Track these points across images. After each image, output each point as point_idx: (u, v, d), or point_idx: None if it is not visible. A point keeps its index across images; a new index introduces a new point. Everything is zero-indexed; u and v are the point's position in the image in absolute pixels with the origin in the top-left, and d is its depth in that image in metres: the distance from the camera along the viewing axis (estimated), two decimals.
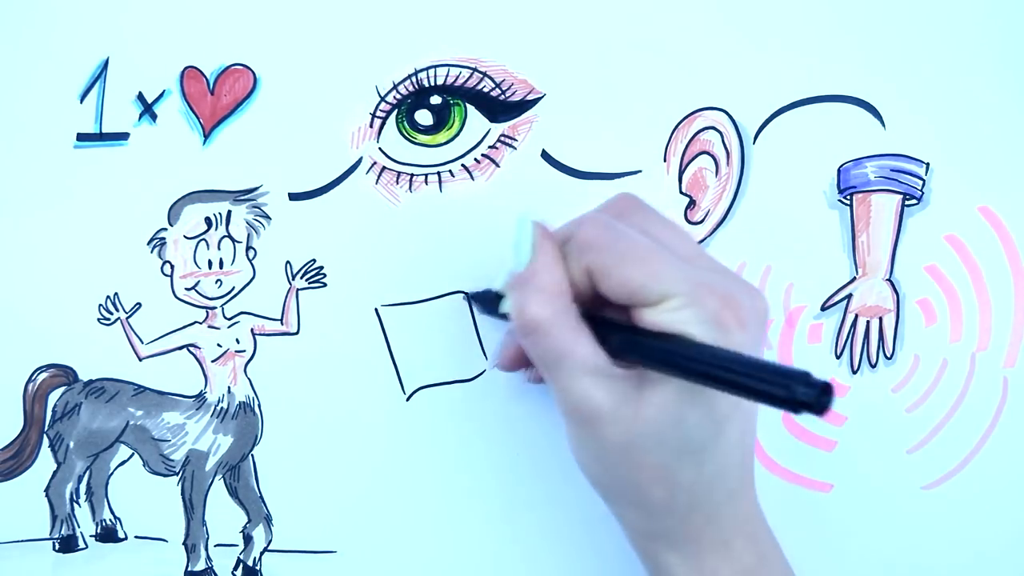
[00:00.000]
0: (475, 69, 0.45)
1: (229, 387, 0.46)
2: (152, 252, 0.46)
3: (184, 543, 0.46)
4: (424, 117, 0.45)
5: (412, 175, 0.45)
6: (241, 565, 0.46)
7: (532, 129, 0.45)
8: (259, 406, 0.46)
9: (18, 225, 0.46)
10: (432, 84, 0.45)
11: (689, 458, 0.34)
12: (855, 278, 0.45)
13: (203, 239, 0.46)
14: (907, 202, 0.45)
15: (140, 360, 0.46)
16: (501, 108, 0.45)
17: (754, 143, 0.45)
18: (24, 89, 0.46)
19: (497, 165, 0.45)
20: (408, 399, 0.45)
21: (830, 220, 0.45)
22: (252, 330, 0.46)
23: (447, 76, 0.45)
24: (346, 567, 0.45)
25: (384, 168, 0.45)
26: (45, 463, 0.46)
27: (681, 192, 0.45)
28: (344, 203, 0.45)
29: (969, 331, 0.45)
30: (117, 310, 0.46)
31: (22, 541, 0.46)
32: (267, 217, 0.45)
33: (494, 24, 0.45)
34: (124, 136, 0.46)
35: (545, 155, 0.45)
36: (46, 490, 0.46)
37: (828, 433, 0.45)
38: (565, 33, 0.45)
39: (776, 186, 0.45)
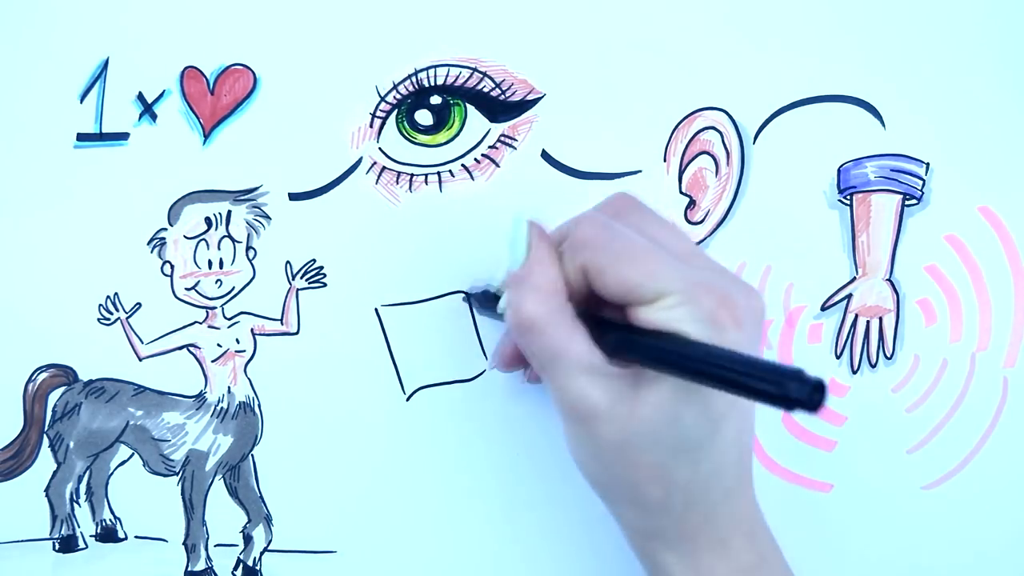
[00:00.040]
0: (475, 69, 0.45)
1: (229, 387, 0.46)
2: (152, 252, 0.46)
3: (184, 543, 0.46)
4: (424, 117, 0.45)
5: (412, 175, 0.45)
6: (241, 565, 0.46)
7: (532, 129, 0.45)
8: (259, 406, 0.46)
9: (18, 225, 0.46)
10: (432, 84, 0.45)
11: (685, 456, 0.34)
12: (855, 278, 0.45)
13: (203, 239, 0.46)
14: (907, 202, 0.45)
15: (140, 360, 0.46)
16: (501, 108, 0.45)
17: (754, 143, 0.45)
18: (24, 89, 0.46)
19: (497, 165, 0.45)
20: (408, 399, 0.45)
21: (830, 220, 0.45)
22: (252, 330, 0.46)
23: (447, 76, 0.45)
24: (346, 567, 0.45)
25: (384, 168, 0.45)
26: (45, 463, 0.46)
27: (681, 192, 0.45)
28: (344, 203, 0.45)
29: (969, 331, 0.45)
30: (117, 310, 0.46)
31: (22, 541, 0.46)
32: (267, 217, 0.45)
33: (494, 24, 0.45)
34: (124, 136, 0.46)
35: (545, 155, 0.45)
36: (46, 490, 0.46)
37: (828, 433, 0.45)
38: (565, 33, 0.45)
39: (776, 186, 0.45)
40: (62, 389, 0.46)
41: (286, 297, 0.45)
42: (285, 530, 0.46)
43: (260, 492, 0.46)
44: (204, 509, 0.46)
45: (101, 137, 0.46)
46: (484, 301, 0.42)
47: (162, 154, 0.46)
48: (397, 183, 0.45)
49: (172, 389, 0.46)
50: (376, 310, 0.45)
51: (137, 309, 0.46)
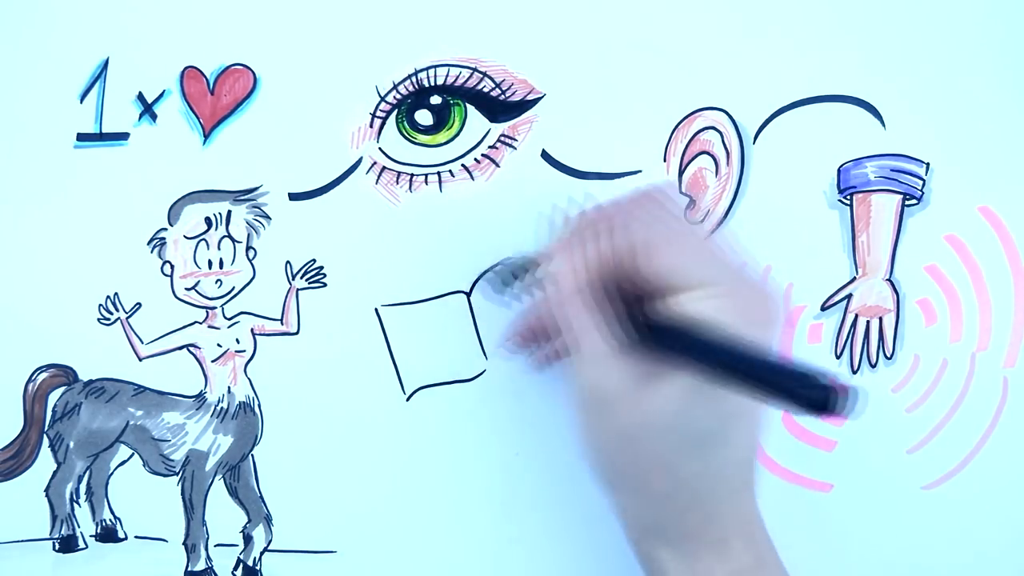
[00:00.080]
0: (475, 69, 0.45)
1: (229, 387, 0.46)
2: (152, 252, 0.46)
3: (184, 543, 0.46)
4: (424, 117, 0.45)
5: (412, 175, 0.45)
6: (241, 565, 0.46)
7: (532, 129, 0.45)
8: (259, 406, 0.46)
9: (18, 225, 0.46)
10: (432, 84, 0.45)
11: (694, 451, 0.34)
12: (855, 278, 0.45)
13: (203, 239, 0.46)
14: (907, 202, 0.45)
15: (140, 360, 0.46)
16: (501, 108, 0.45)
17: (754, 143, 0.45)
18: (24, 89, 0.46)
19: (497, 165, 0.45)
20: (408, 399, 0.45)
21: (830, 220, 0.45)
22: (252, 330, 0.46)
23: (447, 76, 0.45)
24: (346, 567, 0.45)
25: (384, 168, 0.45)
26: (45, 463, 0.46)
27: (681, 192, 0.45)
28: (344, 203, 0.45)
29: (969, 331, 0.45)
30: (117, 310, 0.46)
31: (22, 541, 0.46)
32: (267, 217, 0.45)
33: (494, 24, 0.45)
34: (124, 136, 0.46)
35: (545, 155, 0.45)
36: (46, 490, 0.46)
37: (828, 433, 0.45)
38: (565, 33, 0.45)
39: (776, 186, 0.45)
40: (62, 389, 0.46)
41: (286, 297, 0.45)
42: (285, 530, 0.46)
43: (260, 492, 0.46)
44: (204, 509, 0.46)
45: (101, 137, 0.46)
46: (509, 277, 0.41)
47: (162, 154, 0.46)
48: (397, 183, 0.45)
49: (172, 389, 0.46)
50: (376, 310, 0.45)
51: (137, 309, 0.46)
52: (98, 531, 0.46)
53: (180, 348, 0.46)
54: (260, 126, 0.45)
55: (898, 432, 0.45)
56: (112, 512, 0.46)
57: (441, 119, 0.45)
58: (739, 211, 0.45)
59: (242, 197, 0.46)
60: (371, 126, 0.45)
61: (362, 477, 0.45)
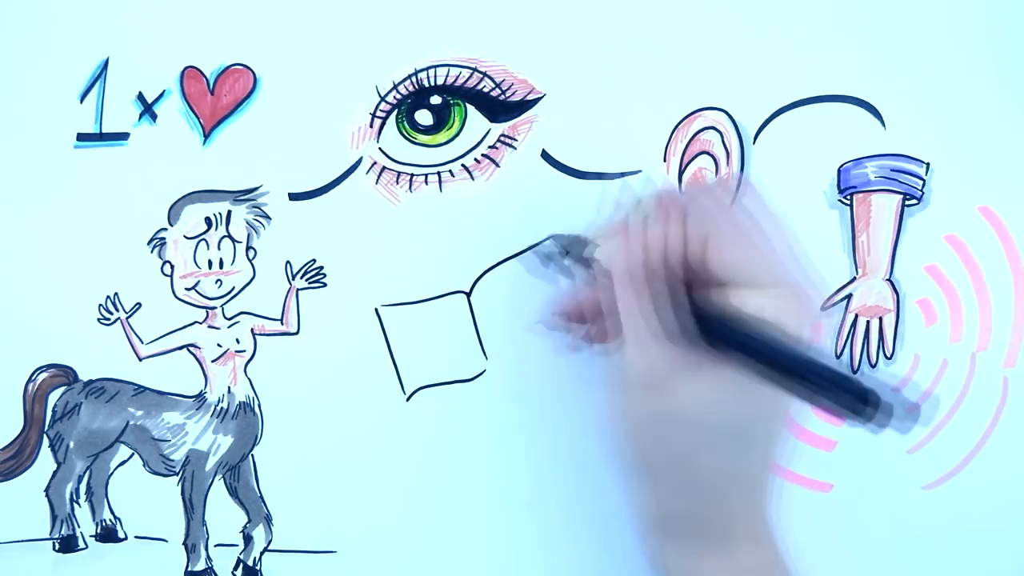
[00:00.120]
0: (475, 69, 0.45)
1: (229, 387, 0.46)
2: (152, 252, 0.46)
3: (184, 543, 0.46)
4: (424, 117, 0.45)
5: (412, 175, 0.45)
6: (241, 565, 0.46)
7: (532, 129, 0.45)
8: (259, 406, 0.46)
9: (18, 225, 0.46)
10: (432, 84, 0.45)
11: (716, 447, 0.34)
12: (855, 278, 0.45)
13: (203, 239, 0.46)
14: (907, 202, 0.45)
15: (140, 360, 0.46)
16: (501, 108, 0.45)
17: (754, 143, 0.45)
18: (24, 89, 0.46)
19: (497, 165, 0.45)
20: (408, 399, 0.45)
21: (830, 220, 0.45)
22: (252, 330, 0.46)
23: (447, 76, 0.45)
24: (346, 567, 0.45)
25: (384, 168, 0.45)
26: (45, 463, 0.46)
27: (681, 192, 0.45)
28: (344, 203, 0.45)
29: (969, 331, 0.45)
30: (117, 310, 0.46)
31: (22, 541, 0.46)
32: (267, 217, 0.45)
33: (494, 24, 0.45)
34: (124, 136, 0.46)
35: (545, 155, 0.45)
36: (46, 490, 0.46)
37: (828, 433, 0.45)
38: (565, 33, 0.45)
39: (776, 186, 0.45)
40: (62, 389, 0.46)
41: (286, 297, 0.45)
42: (285, 530, 0.46)
43: (260, 492, 0.46)
44: (204, 509, 0.46)
45: (101, 137, 0.46)
46: (556, 253, 0.41)
47: (162, 154, 0.46)
48: (397, 183, 0.45)
49: (172, 389, 0.46)
50: (376, 310, 0.45)
51: (137, 309, 0.46)
52: (98, 531, 0.46)
53: (180, 348, 0.46)
54: (260, 126, 0.45)
55: (898, 432, 0.45)
56: (112, 512, 0.46)
57: (441, 119, 0.45)
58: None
59: (242, 197, 0.46)
60: (371, 126, 0.45)
61: (362, 477, 0.45)
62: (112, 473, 0.46)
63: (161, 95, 0.46)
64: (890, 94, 0.45)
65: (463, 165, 0.45)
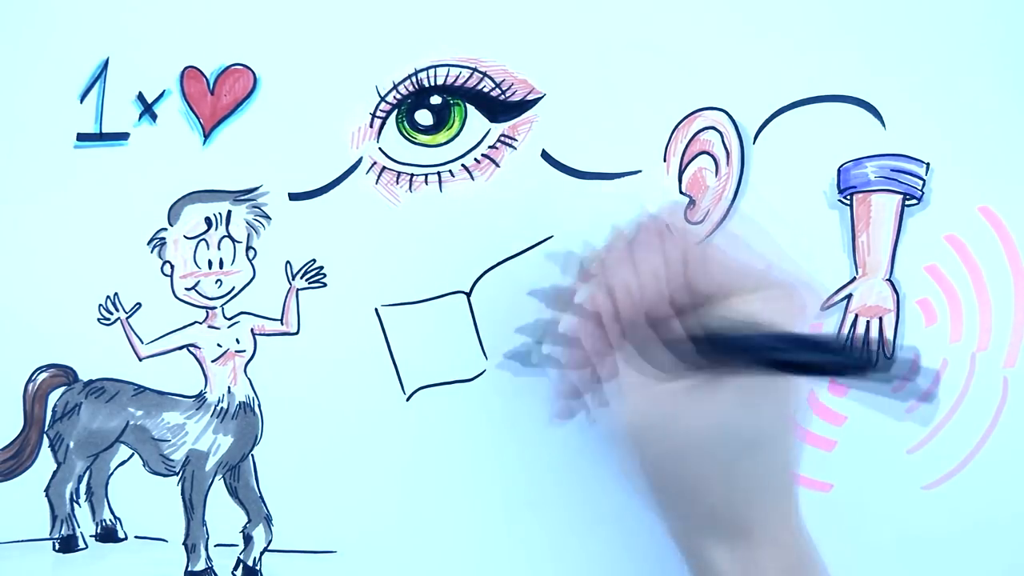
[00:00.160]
0: (475, 69, 0.45)
1: (229, 387, 0.46)
2: (152, 252, 0.46)
3: (184, 543, 0.46)
4: (424, 117, 0.45)
5: (412, 175, 0.45)
6: (241, 565, 0.46)
7: (532, 129, 0.45)
8: (259, 406, 0.46)
9: (18, 225, 0.46)
10: (432, 84, 0.45)
11: (746, 456, 0.34)
12: (855, 278, 0.45)
13: (203, 239, 0.46)
14: (907, 202, 0.45)
15: (140, 360, 0.46)
16: (501, 108, 0.45)
17: (754, 143, 0.45)
18: (24, 89, 0.46)
19: (497, 165, 0.45)
20: (408, 399, 0.45)
21: (830, 220, 0.45)
22: (252, 330, 0.46)
23: (447, 76, 0.45)
24: (346, 567, 0.45)
25: (384, 168, 0.45)
26: (45, 463, 0.46)
27: (681, 192, 0.45)
28: (344, 203, 0.45)
29: (969, 331, 0.45)
30: (117, 310, 0.46)
31: (22, 541, 0.46)
32: (267, 217, 0.45)
33: (494, 24, 0.45)
34: (124, 136, 0.46)
35: (545, 155, 0.45)
36: (46, 490, 0.46)
37: (828, 433, 0.45)
38: (565, 33, 0.45)
39: (776, 186, 0.45)
40: (62, 389, 0.46)
41: (286, 297, 0.45)
42: (285, 530, 0.46)
43: (260, 492, 0.46)
44: (204, 509, 0.46)
45: (101, 137, 0.46)
46: (533, 349, 0.41)
47: (162, 154, 0.46)
48: (397, 183, 0.45)
49: (172, 389, 0.46)
50: (376, 310, 0.45)
51: (137, 309, 0.46)
52: (98, 531, 0.46)
53: (180, 348, 0.46)
54: (260, 126, 0.45)
55: (898, 432, 0.45)
56: (112, 512, 0.46)
57: (441, 119, 0.45)
58: (739, 211, 0.45)
59: (242, 197, 0.46)
60: (371, 126, 0.45)
61: (362, 477, 0.45)
62: (112, 473, 0.46)
63: (161, 95, 0.46)
64: (890, 94, 0.45)
65: (463, 165, 0.45)
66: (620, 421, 0.34)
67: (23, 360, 0.46)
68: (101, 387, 0.46)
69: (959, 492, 0.45)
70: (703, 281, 0.34)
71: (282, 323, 0.45)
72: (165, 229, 0.46)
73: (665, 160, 0.45)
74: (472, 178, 0.45)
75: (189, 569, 0.46)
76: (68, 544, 0.46)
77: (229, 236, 0.45)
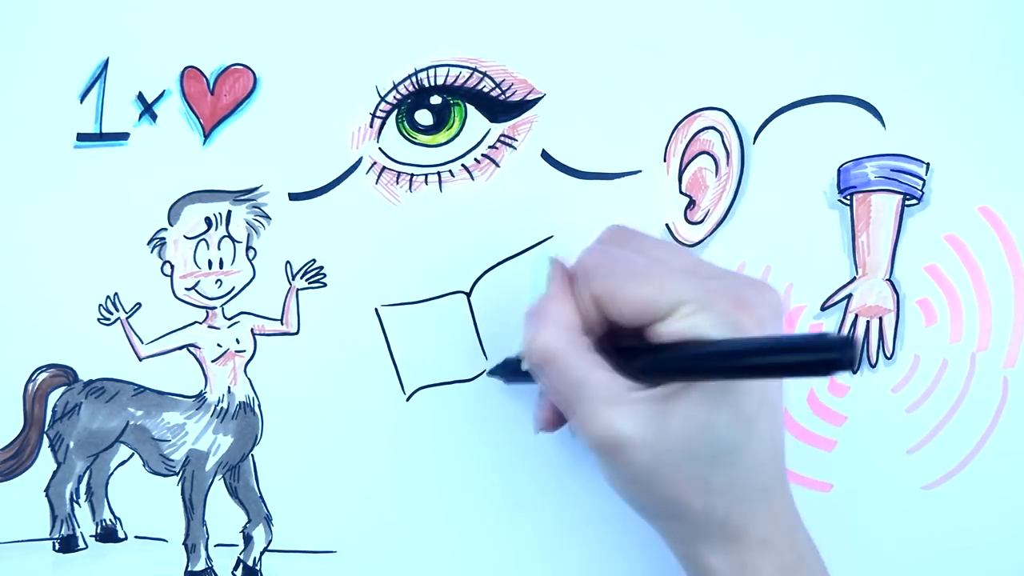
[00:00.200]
0: (475, 69, 0.45)
1: (229, 387, 0.46)
2: (152, 252, 0.46)
3: (184, 543, 0.46)
4: (424, 117, 0.45)
5: (412, 175, 0.45)
6: (241, 565, 0.46)
7: (532, 129, 0.45)
8: (259, 406, 0.46)
9: (18, 225, 0.46)
10: (432, 84, 0.45)
11: (722, 461, 0.34)
12: (855, 278, 0.45)
13: (203, 239, 0.46)
14: (907, 202, 0.45)
15: (140, 360, 0.46)
16: (501, 108, 0.45)
17: (754, 143, 0.45)
18: (24, 89, 0.46)
19: (497, 165, 0.45)
20: (408, 399, 0.45)
21: (830, 220, 0.45)
22: (252, 330, 0.46)
23: (447, 76, 0.45)
24: (346, 567, 0.45)
25: (384, 168, 0.45)
26: (45, 463, 0.46)
27: (681, 192, 0.45)
28: (344, 203, 0.45)
29: (969, 331, 0.45)
30: (117, 310, 0.46)
31: (22, 541, 0.46)
32: (267, 217, 0.45)
33: (494, 24, 0.45)
34: (124, 136, 0.46)
35: (545, 155, 0.45)
36: (46, 490, 0.46)
37: (828, 433, 0.45)
38: (565, 33, 0.45)
39: (776, 186, 0.45)
40: (62, 389, 0.46)
41: (286, 297, 0.45)
42: (285, 530, 0.46)
43: (260, 492, 0.46)
44: (204, 509, 0.46)
45: (101, 137, 0.46)
46: (507, 370, 0.42)
47: (162, 154, 0.46)
48: (397, 183, 0.45)
49: (172, 389, 0.46)
50: (376, 310, 0.45)
51: (137, 309, 0.46)
52: (98, 531, 0.46)
53: (180, 348, 0.46)
54: (260, 126, 0.45)
55: (898, 432, 0.45)
56: (112, 512, 0.46)
57: (441, 119, 0.45)
58: (739, 211, 0.45)
59: (242, 197, 0.46)
60: (371, 126, 0.45)
61: (362, 477, 0.45)
62: (112, 473, 0.46)
63: (161, 95, 0.46)
64: (890, 94, 0.45)
65: (463, 165, 0.45)
66: (595, 436, 0.34)
67: (23, 360, 0.46)
68: (101, 387, 0.46)
69: (959, 492, 0.45)
70: (617, 317, 0.34)
71: (282, 323, 0.45)
72: (165, 229, 0.46)
73: (665, 160, 0.45)
74: (472, 178, 0.45)
75: (189, 569, 0.46)
76: (68, 544, 0.46)
77: (229, 236, 0.45)
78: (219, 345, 0.46)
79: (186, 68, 0.46)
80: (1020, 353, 0.45)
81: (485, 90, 0.45)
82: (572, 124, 0.45)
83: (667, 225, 0.45)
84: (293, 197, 0.45)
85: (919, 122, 0.45)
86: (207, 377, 0.46)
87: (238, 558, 0.46)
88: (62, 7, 0.46)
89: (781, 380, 0.36)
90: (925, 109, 0.45)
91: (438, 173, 0.45)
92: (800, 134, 0.45)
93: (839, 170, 0.45)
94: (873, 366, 0.45)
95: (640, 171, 0.45)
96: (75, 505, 0.46)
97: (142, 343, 0.46)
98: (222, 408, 0.46)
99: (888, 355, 0.45)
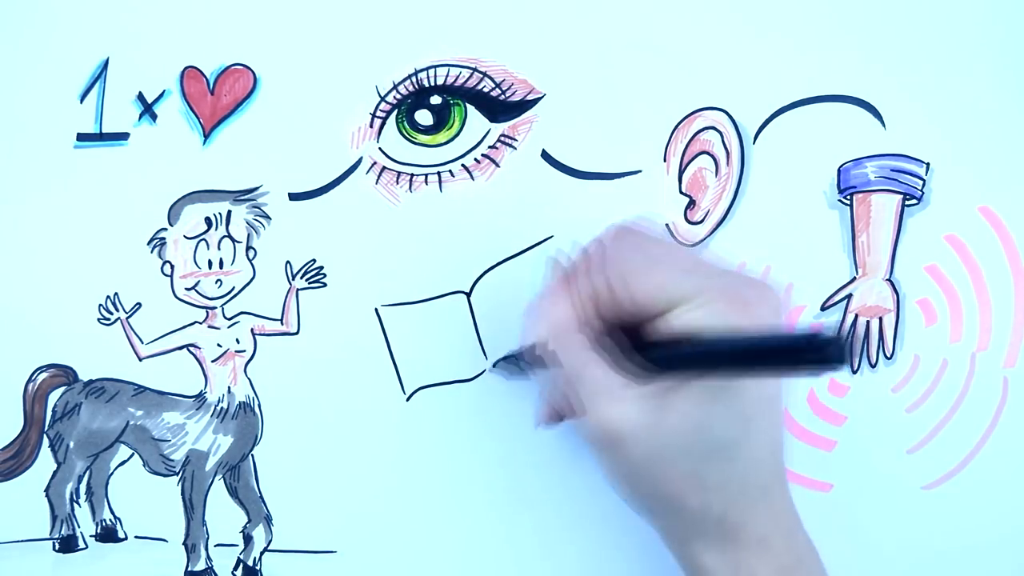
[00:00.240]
0: (475, 69, 0.45)
1: (229, 387, 0.46)
2: (152, 252, 0.46)
3: (184, 543, 0.46)
4: (424, 117, 0.45)
5: (412, 175, 0.45)
6: (241, 565, 0.46)
7: (532, 129, 0.45)
8: (259, 406, 0.46)
9: (18, 225, 0.46)
10: (432, 84, 0.45)
11: (718, 458, 0.34)
12: (855, 278, 0.45)
13: (203, 239, 0.46)
14: (907, 202, 0.45)
15: (140, 360, 0.46)
16: (501, 108, 0.45)
17: (754, 143, 0.45)
18: (24, 89, 0.46)
19: (497, 165, 0.45)
20: (408, 399, 0.45)
21: (830, 220, 0.45)
22: (252, 330, 0.46)
23: (447, 76, 0.45)
24: (346, 567, 0.45)
25: (384, 168, 0.45)
26: (45, 463, 0.46)
27: (681, 192, 0.45)
28: (344, 203, 0.45)
29: (969, 331, 0.45)
30: (117, 310, 0.46)
31: (22, 541, 0.46)
32: (267, 217, 0.45)
33: (494, 24, 0.45)
34: (124, 136, 0.46)
35: (545, 155, 0.45)
36: (46, 490, 0.46)
37: (828, 433, 0.45)
38: (565, 33, 0.45)
39: (776, 186, 0.45)
40: (62, 389, 0.46)
41: (286, 297, 0.45)
42: (285, 530, 0.46)
43: (260, 492, 0.46)
44: (204, 509, 0.46)
45: (101, 137, 0.46)
46: (516, 363, 0.42)
47: (162, 154, 0.46)
48: (397, 183, 0.45)
49: (172, 389, 0.46)
50: (376, 310, 0.45)
51: (137, 309, 0.46)
52: (98, 531, 0.46)
53: (180, 348, 0.46)
54: (260, 126, 0.45)
55: (898, 432, 0.45)
56: (112, 512, 0.46)
57: (441, 119, 0.45)
58: (739, 211, 0.45)
59: (242, 197, 0.46)
60: (371, 126, 0.45)
61: (362, 477, 0.45)
62: (112, 473, 0.46)
63: (161, 95, 0.46)
64: (890, 94, 0.45)
65: (463, 165, 0.45)
66: (593, 429, 0.34)
67: (23, 360, 0.46)
68: (101, 387, 0.46)
69: (959, 492, 0.45)
70: (629, 304, 0.34)
71: (282, 323, 0.45)
72: (165, 229, 0.46)
73: (665, 160, 0.45)
74: (472, 178, 0.45)
75: (189, 569, 0.46)
76: (68, 544, 0.46)
77: (229, 236, 0.45)
78: (219, 345, 0.46)
79: (186, 68, 0.46)
80: (1020, 353, 0.45)
81: (485, 90, 0.45)
82: (572, 124, 0.45)
83: (667, 225, 0.45)
84: (293, 197, 0.45)
85: (919, 122, 0.45)
86: (207, 377, 0.46)
87: (238, 558, 0.46)
88: (62, 7, 0.46)
89: (779, 381, 0.36)
90: (925, 109, 0.45)
91: (438, 173, 0.45)
92: (800, 134, 0.45)
93: (839, 170, 0.45)
94: (873, 366, 0.45)
95: (640, 171, 0.45)
96: (75, 505, 0.46)
97: (142, 343, 0.46)
98: (222, 408, 0.46)
99: (888, 355, 0.45)
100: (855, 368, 0.45)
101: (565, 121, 0.45)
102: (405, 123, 0.45)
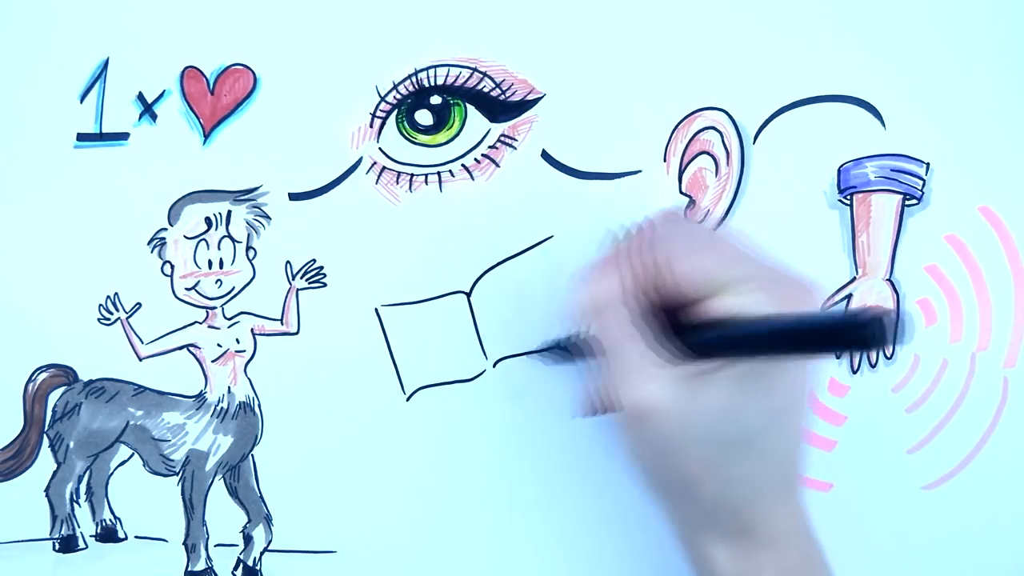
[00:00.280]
0: (475, 69, 0.45)
1: (229, 387, 0.46)
2: (152, 252, 0.46)
3: (184, 543, 0.46)
4: (424, 117, 0.45)
5: (412, 175, 0.45)
6: (241, 565, 0.46)
7: (532, 129, 0.45)
8: (259, 406, 0.46)
9: (18, 225, 0.46)
10: (432, 84, 0.45)
11: (741, 449, 0.34)
12: (855, 278, 0.45)
13: (203, 239, 0.46)
14: (907, 202, 0.45)
15: (140, 360, 0.46)
16: (501, 108, 0.45)
17: (754, 143, 0.45)
18: (24, 89, 0.46)
19: (497, 165, 0.45)
20: (408, 399, 0.45)
21: (830, 220, 0.45)
22: (252, 330, 0.46)
23: (447, 76, 0.45)
24: (346, 567, 0.45)
25: (384, 168, 0.45)
26: (45, 463, 0.46)
27: (681, 192, 0.45)
28: (344, 203, 0.45)
29: (969, 331, 0.45)
30: (117, 310, 0.46)
31: (22, 541, 0.46)
32: (267, 217, 0.45)
33: (494, 24, 0.45)
34: (124, 136, 0.46)
35: (545, 155, 0.45)
36: (46, 490, 0.46)
37: (828, 433, 0.45)
38: (565, 33, 0.45)
39: (776, 186, 0.45)
40: (62, 389, 0.46)
41: (286, 297, 0.45)
42: (285, 530, 0.46)
43: (260, 492, 0.46)
44: (204, 509, 0.46)
45: (101, 137, 0.46)
46: (559, 351, 0.42)
47: (162, 154, 0.46)
48: (397, 183, 0.45)
49: (172, 389, 0.46)
50: (376, 310, 0.45)
51: (137, 309, 0.46)
52: (98, 531, 0.46)
53: (180, 348, 0.46)
54: (260, 126, 0.45)
55: (898, 432, 0.45)
56: (112, 512, 0.46)
57: (441, 119, 0.45)
58: (739, 211, 0.45)
59: (242, 197, 0.46)
60: (371, 126, 0.45)
61: (362, 477, 0.45)
62: (112, 473, 0.46)
63: (161, 95, 0.46)
64: (890, 94, 0.45)
65: (463, 165, 0.45)
66: (625, 401, 0.34)
67: (23, 360, 0.46)
68: (101, 387, 0.46)
69: (959, 492, 0.45)
70: (687, 281, 0.34)
71: (282, 323, 0.45)
72: (165, 229, 0.46)
73: (665, 160, 0.45)
74: (472, 178, 0.45)
75: (189, 569, 0.46)
76: (68, 544, 0.46)
77: (229, 236, 0.45)
78: (219, 345, 0.46)
79: (186, 68, 0.46)
80: (1020, 353, 0.45)
81: (485, 90, 0.45)
82: (572, 124, 0.45)
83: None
84: (293, 197, 0.45)
85: (919, 122, 0.45)
86: (207, 377, 0.46)
87: (238, 558, 0.46)
88: (62, 7, 0.46)
89: (809, 381, 0.36)
90: (925, 109, 0.45)
91: (438, 173, 0.45)
92: (800, 134, 0.45)
93: (839, 170, 0.45)
94: (873, 366, 0.45)
95: (640, 171, 0.45)
96: (75, 505, 0.46)
97: (142, 343, 0.46)
98: (222, 408, 0.46)
99: (888, 355, 0.45)
100: (855, 369, 0.45)
101: (565, 121, 0.45)
102: (405, 123, 0.45)
